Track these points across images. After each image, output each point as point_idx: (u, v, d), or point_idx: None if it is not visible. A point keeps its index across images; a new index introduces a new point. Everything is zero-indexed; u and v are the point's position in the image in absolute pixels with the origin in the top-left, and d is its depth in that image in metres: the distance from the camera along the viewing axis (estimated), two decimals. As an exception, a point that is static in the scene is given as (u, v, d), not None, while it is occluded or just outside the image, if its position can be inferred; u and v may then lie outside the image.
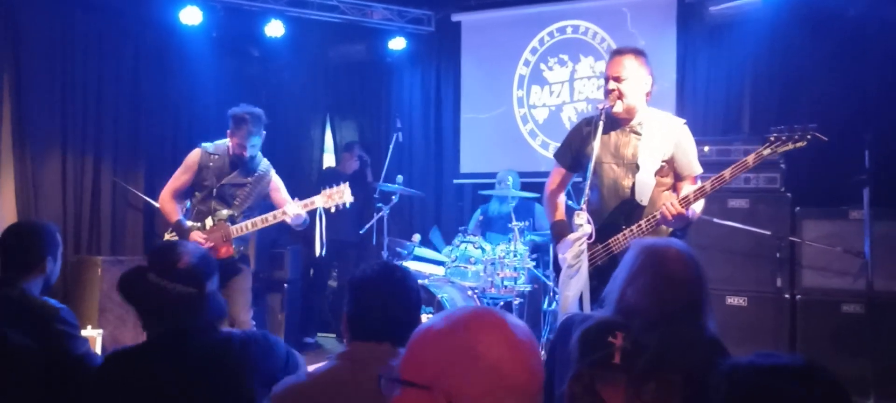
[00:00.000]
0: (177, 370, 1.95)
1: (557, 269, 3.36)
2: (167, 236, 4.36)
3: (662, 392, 1.77)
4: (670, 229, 3.18)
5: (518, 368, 1.14)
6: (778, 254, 4.88)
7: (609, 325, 1.90)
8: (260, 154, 4.43)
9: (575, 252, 3.06)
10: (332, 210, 4.36)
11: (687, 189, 3.21)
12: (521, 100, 6.82)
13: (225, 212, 4.28)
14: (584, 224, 3.11)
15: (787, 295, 4.90)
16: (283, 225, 4.39)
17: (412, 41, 7.16)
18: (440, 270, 5.60)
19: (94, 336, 5.01)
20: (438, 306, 4.94)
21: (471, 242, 5.33)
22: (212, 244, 4.18)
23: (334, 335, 7.01)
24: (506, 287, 5.13)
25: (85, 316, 5.25)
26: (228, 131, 4.31)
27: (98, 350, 4.93)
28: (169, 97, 6.59)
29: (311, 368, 1.87)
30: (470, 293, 5.17)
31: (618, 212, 3.23)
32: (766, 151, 3.02)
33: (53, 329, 2.42)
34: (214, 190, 4.30)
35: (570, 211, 3.47)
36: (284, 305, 6.22)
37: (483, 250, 5.26)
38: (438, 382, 1.12)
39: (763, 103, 5.80)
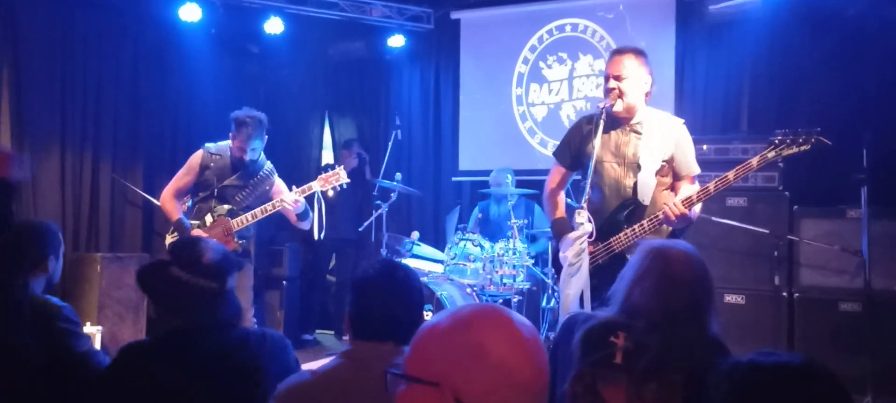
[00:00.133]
0: (193, 366, 1.95)
1: (557, 267, 3.37)
2: (168, 236, 4.37)
3: (664, 392, 1.78)
4: (669, 229, 3.19)
5: (525, 365, 1.13)
6: (776, 253, 4.89)
7: (611, 325, 1.91)
8: (263, 156, 4.43)
9: (576, 250, 3.07)
10: (330, 193, 4.35)
11: (687, 189, 3.23)
12: (520, 98, 6.82)
13: (224, 207, 4.29)
14: (584, 222, 3.12)
15: (785, 294, 4.91)
16: (281, 222, 4.40)
17: (411, 39, 7.16)
18: (439, 268, 5.61)
19: (93, 332, 5.02)
20: (437, 303, 4.95)
21: (470, 240, 5.33)
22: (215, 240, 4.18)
23: (333, 332, 7.03)
24: (505, 284, 5.14)
25: (84, 313, 5.25)
26: (230, 134, 4.32)
27: (97, 347, 4.93)
28: (168, 94, 6.58)
29: (314, 366, 1.87)
30: (469, 290, 5.18)
31: (619, 211, 3.25)
32: (771, 154, 3.05)
33: (56, 327, 2.43)
34: (215, 190, 4.31)
35: (570, 210, 3.48)
36: (283, 302, 6.23)
37: (482, 247, 5.27)
38: (446, 379, 1.11)
39: (762, 102, 5.81)
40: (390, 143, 6.45)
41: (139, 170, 6.39)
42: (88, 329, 5.02)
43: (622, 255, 3.15)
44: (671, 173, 3.31)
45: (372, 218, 6.14)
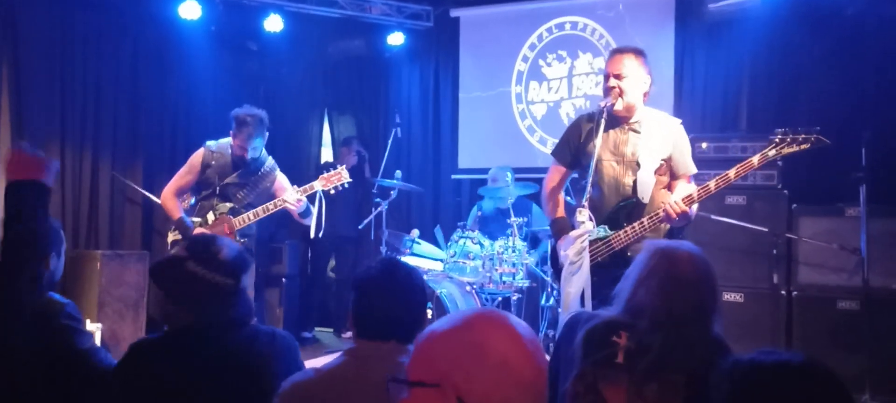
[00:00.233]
0: (204, 364, 1.96)
1: (556, 265, 3.39)
2: (170, 234, 4.38)
3: (665, 392, 1.78)
4: (668, 226, 3.21)
5: (526, 364, 1.15)
6: (774, 251, 4.90)
7: (613, 325, 1.92)
8: (265, 152, 4.43)
9: (577, 248, 3.08)
10: (332, 192, 4.37)
11: (685, 188, 3.25)
12: (519, 96, 6.83)
13: (226, 205, 4.30)
14: (585, 221, 3.13)
15: (783, 292, 4.92)
16: (281, 220, 4.41)
17: (411, 36, 7.16)
18: (439, 265, 5.61)
19: (92, 330, 5.02)
20: (437, 301, 4.96)
21: (469, 237, 5.34)
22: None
23: (332, 329, 7.03)
24: (504, 282, 5.15)
25: (84, 311, 5.23)
26: (231, 132, 4.32)
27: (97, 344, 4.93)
28: (167, 92, 6.58)
29: (317, 364, 1.88)
30: (468, 288, 5.19)
31: (619, 210, 3.26)
32: (772, 152, 3.07)
33: (58, 324, 2.42)
34: (217, 188, 4.31)
35: (569, 209, 3.49)
36: (282, 300, 6.24)
37: (481, 245, 5.28)
38: (447, 379, 1.13)
39: (761, 100, 5.82)
40: (390, 141, 6.45)
41: (139, 167, 6.39)
42: (88, 326, 5.01)
43: (623, 253, 3.17)
44: (668, 172, 3.33)
45: (372, 216, 6.14)
